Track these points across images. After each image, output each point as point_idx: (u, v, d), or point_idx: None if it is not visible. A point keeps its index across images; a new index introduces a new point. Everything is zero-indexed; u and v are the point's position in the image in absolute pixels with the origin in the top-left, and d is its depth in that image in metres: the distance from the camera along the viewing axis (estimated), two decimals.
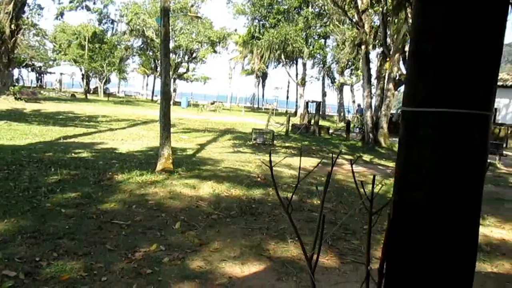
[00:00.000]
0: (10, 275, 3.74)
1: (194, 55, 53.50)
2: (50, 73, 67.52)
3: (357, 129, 26.21)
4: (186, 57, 53.41)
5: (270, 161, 1.69)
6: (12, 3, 30.85)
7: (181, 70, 56.40)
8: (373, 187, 1.49)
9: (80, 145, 12.59)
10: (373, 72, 22.75)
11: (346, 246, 5.40)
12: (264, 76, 61.90)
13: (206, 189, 7.60)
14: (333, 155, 1.73)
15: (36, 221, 5.21)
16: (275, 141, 17.69)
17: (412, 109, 1.15)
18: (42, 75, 66.58)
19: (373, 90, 22.03)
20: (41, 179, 7.41)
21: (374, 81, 22.48)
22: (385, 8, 20.00)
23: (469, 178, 1.07)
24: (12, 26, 31.78)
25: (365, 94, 21.26)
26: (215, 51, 52.88)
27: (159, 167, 8.80)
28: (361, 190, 1.50)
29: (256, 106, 65.10)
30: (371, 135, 20.36)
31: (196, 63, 56.81)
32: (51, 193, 6.52)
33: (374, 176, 1.54)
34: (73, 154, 10.49)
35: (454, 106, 1.04)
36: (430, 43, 1.11)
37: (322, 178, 10.11)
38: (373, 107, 21.18)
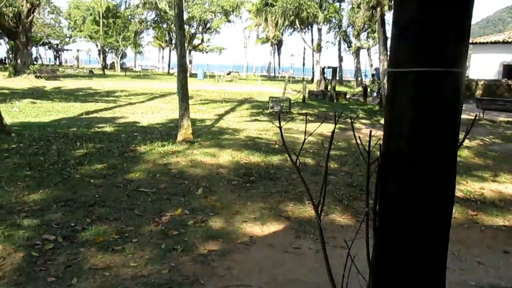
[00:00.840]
0: (50, 238, 4.09)
1: (208, 25, 53.22)
2: (67, 50, 68.16)
3: (375, 93, 26.05)
4: (200, 28, 53.21)
5: (280, 122, 1.90)
6: None
7: (196, 41, 56.27)
8: (370, 139, 1.70)
9: (102, 120, 12.96)
10: (390, 34, 22.43)
11: (361, 206, 5.62)
12: (279, 43, 61.32)
13: (226, 157, 7.86)
14: (336, 114, 1.93)
15: (68, 191, 5.56)
16: (292, 109, 17.82)
17: (394, 69, 1.35)
18: (59, 52, 67.23)
19: None
20: (69, 152, 7.77)
21: None
22: None
23: (442, 126, 1.26)
24: (28, 5, 32.06)
25: (381, 57, 21.05)
26: (229, 21, 52.52)
27: (179, 137, 9.09)
28: (359, 142, 1.70)
29: (272, 74, 64.79)
30: None
31: (211, 33, 56.59)
32: (79, 165, 6.87)
33: (370, 131, 1.74)
34: (96, 129, 10.85)
35: (427, 65, 1.23)
36: (407, 12, 1.30)
37: (340, 143, 10.30)
38: None
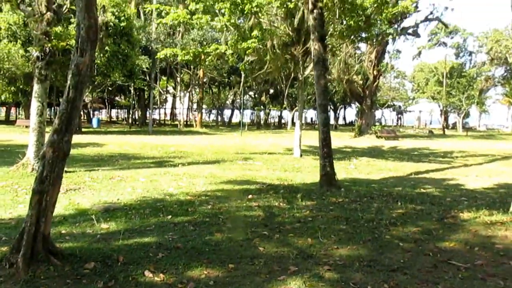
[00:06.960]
0: None
1: None
2: (409, 111, 70.83)
3: None
4: None
5: None
6: (374, 51, 34.30)
7: None
8: None
9: (430, 181, 12.53)
10: None
11: None
12: None
13: None
14: None
15: (374, 251, 5.47)
16: None
17: None
18: (401, 114, 70.67)
19: None
20: (386, 211, 7.75)
21: None
22: None
23: None
24: (374, 72, 35.24)
25: None
26: None
27: None
28: None
29: None
30: None
31: None
32: (392, 225, 6.72)
33: None
34: (421, 189, 10.54)
35: None
36: None
37: None
38: None
